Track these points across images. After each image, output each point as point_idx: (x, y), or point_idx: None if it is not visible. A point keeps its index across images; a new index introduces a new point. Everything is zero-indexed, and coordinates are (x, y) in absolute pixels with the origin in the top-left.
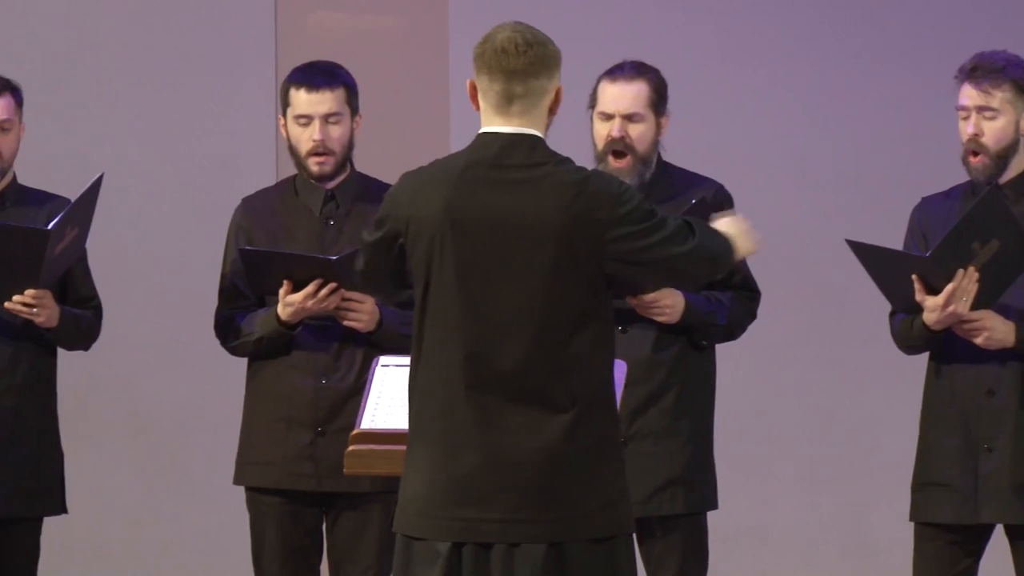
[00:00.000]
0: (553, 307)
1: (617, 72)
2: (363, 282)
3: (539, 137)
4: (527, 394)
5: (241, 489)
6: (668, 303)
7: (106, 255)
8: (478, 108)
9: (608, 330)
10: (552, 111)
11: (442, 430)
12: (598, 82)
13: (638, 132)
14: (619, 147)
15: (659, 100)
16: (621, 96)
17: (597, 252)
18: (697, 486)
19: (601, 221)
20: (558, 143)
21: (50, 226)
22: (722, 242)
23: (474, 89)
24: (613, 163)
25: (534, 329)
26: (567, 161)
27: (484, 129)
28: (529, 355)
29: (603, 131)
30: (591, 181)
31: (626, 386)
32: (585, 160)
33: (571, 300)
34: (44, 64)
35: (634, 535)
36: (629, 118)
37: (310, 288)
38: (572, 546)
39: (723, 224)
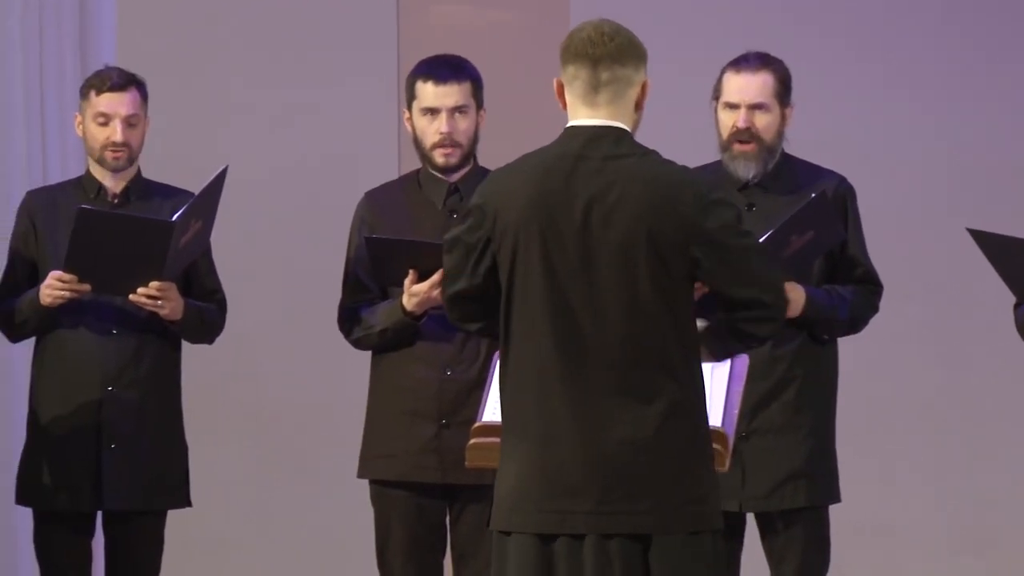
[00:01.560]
0: (640, 300)
1: (742, 63)
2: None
3: (624, 129)
4: (617, 387)
5: (365, 482)
6: (789, 297)
7: (230, 249)
8: (565, 106)
9: (693, 326)
10: (639, 106)
11: (533, 423)
12: (722, 73)
13: (764, 122)
14: (744, 137)
15: (784, 90)
16: (747, 86)
17: (683, 245)
18: (819, 479)
19: (686, 214)
20: (685, 137)
21: (174, 218)
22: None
23: (560, 87)
24: (738, 148)
25: (622, 322)
26: (652, 153)
27: (571, 123)
28: (618, 348)
29: (728, 121)
30: (676, 173)
31: (747, 380)
32: (709, 151)
33: (658, 292)
34: (167, 60)
35: (758, 529)
36: (755, 108)
37: (436, 277)
38: (660, 539)
39: None
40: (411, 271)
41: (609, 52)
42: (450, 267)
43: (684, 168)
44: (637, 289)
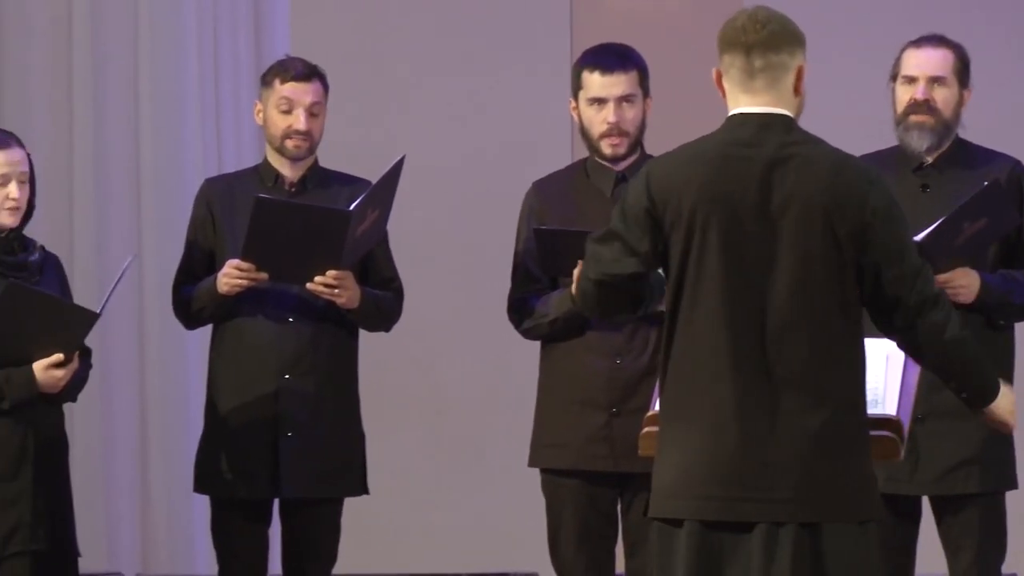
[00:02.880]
0: (814, 291)
1: (923, 40)
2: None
3: (791, 117)
4: (789, 376)
5: (537, 471)
6: (963, 283)
7: (405, 237)
8: (724, 95)
9: (860, 316)
10: (797, 91)
11: (704, 411)
12: (902, 51)
13: (942, 96)
14: (922, 110)
15: (963, 69)
16: (927, 60)
17: (856, 236)
18: (994, 465)
19: (858, 205)
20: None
21: (352, 207)
22: (985, 369)
23: (719, 77)
24: (913, 118)
25: (796, 313)
26: (822, 142)
27: (734, 110)
28: (792, 336)
29: (905, 95)
30: (850, 162)
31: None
32: (881, 141)
33: (831, 284)
34: (340, 50)
35: (933, 515)
36: (934, 80)
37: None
38: (831, 528)
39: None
40: (580, 261)
41: (762, 39)
42: (608, 252)
43: (855, 158)
44: (812, 278)
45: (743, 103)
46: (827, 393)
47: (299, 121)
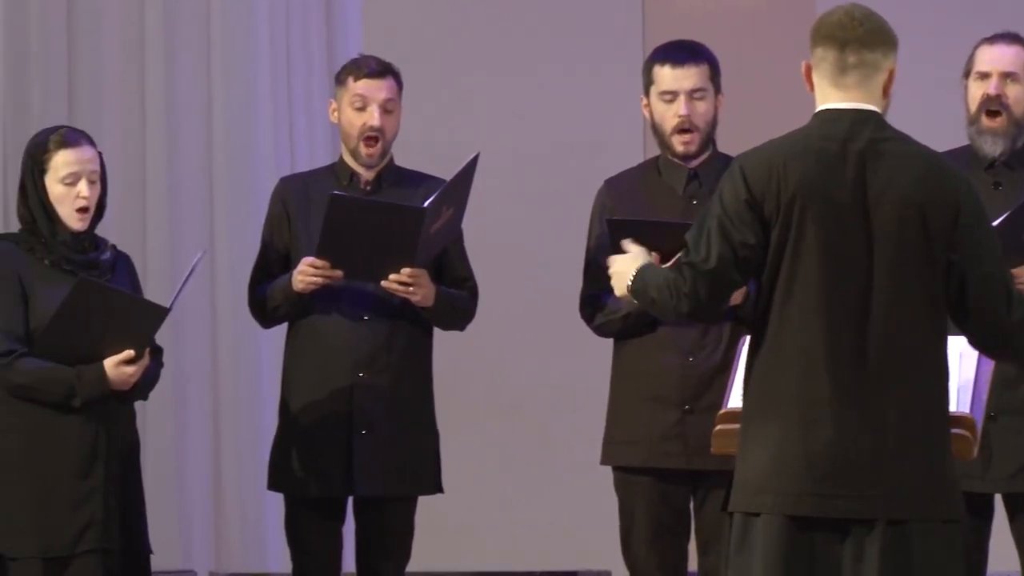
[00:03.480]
0: (909, 287)
1: (996, 37)
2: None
3: (881, 114)
4: (882, 373)
5: (609, 469)
6: None
7: (478, 236)
8: (811, 88)
9: (946, 314)
10: (886, 93)
11: (796, 406)
12: (975, 48)
13: (1015, 93)
14: (994, 106)
15: None
16: (1000, 56)
17: (947, 233)
18: None
19: (951, 202)
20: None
21: (426, 204)
22: None
23: (808, 70)
24: (986, 122)
25: (892, 309)
26: (912, 139)
27: (824, 105)
28: (886, 334)
29: (978, 92)
30: (941, 159)
31: (996, 362)
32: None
33: (922, 280)
34: (413, 50)
35: (1006, 513)
36: (1007, 76)
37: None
38: (918, 526)
39: None
40: (653, 253)
41: (858, 36)
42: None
43: (939, 153)
44: (907, 274)
45: (833, 98)
46: (918, 390)
47: (373, 117)
